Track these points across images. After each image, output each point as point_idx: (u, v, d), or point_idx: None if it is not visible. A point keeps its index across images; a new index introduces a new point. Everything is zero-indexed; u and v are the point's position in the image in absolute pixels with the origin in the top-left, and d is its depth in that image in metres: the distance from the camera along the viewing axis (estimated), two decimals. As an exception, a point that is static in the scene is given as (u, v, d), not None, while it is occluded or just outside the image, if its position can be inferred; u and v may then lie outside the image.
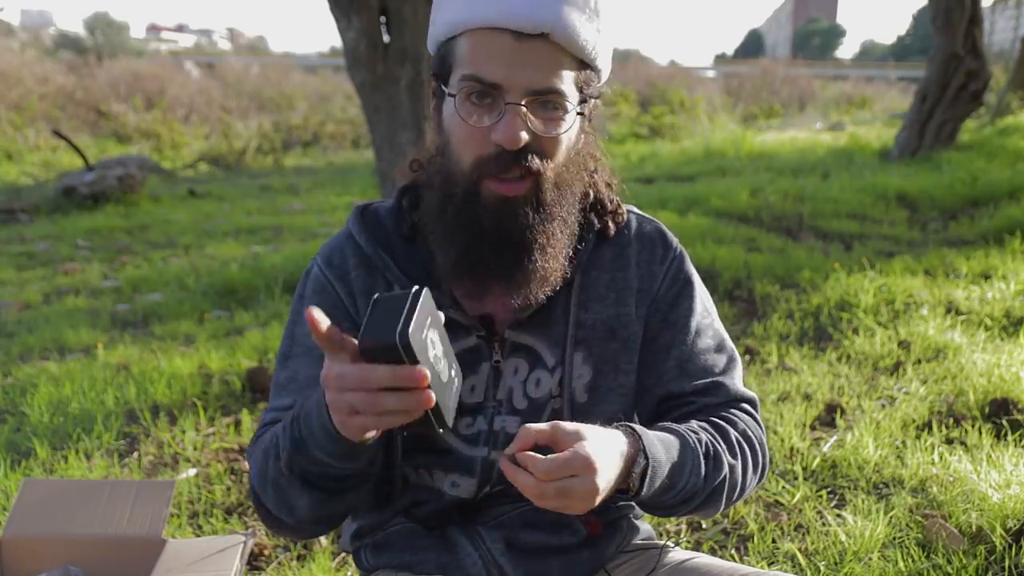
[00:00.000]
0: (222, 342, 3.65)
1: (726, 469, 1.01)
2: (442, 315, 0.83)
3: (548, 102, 0.95)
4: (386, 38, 4.33)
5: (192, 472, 2.46)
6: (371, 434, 0.84)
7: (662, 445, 0.95)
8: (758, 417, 1.11)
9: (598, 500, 0.86)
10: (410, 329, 0.74)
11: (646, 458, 0.91)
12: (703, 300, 1.14)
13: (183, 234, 6.72)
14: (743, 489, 1.06)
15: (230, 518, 2.23)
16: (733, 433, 1.04)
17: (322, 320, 0.77)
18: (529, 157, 0.95)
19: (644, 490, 0.92)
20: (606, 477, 0.86)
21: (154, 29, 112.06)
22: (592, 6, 0.96)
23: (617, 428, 0.93)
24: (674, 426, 1.01)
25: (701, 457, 0.98)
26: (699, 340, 1.11)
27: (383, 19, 4.30)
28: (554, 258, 1.01)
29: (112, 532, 1.50)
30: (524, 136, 0.93)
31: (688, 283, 1.12)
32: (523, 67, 0.93)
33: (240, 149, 13.12)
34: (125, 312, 4.34)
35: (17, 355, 3.62)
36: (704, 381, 1.09)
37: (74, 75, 17.98)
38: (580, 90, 0.98)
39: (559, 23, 0.92)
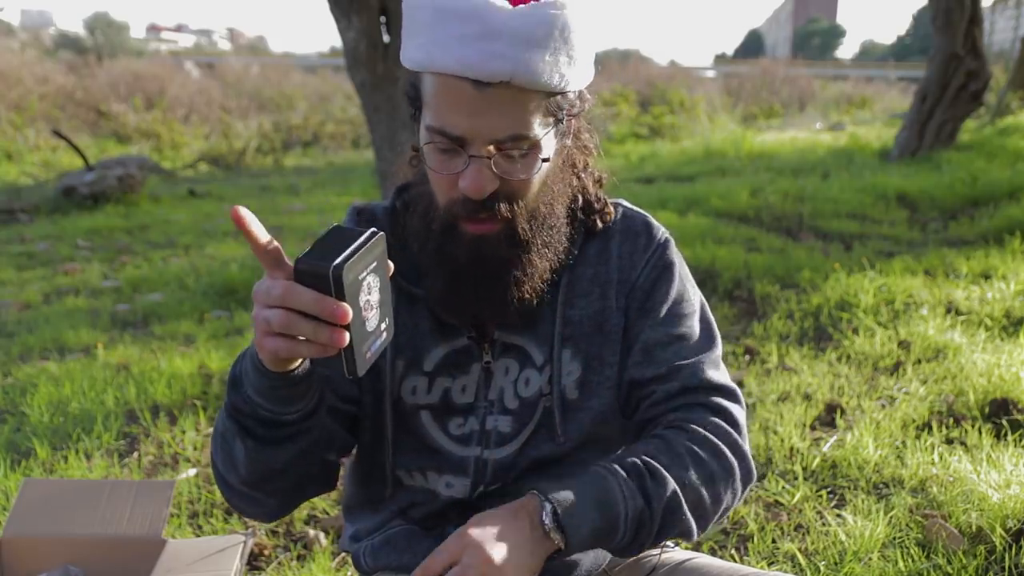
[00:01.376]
0: (222, 342, 3.66)
1: (672, 484, 0.95)
2: (391, 266, 0.81)
3: (515, 147, 0.93)
4: (386, 38, 4.33)
5: (192, 472, 2.46)
6: (295, 366, 0.84)
7: (563, 486, 0.92)
8: (732, 410, 1.03)
9: (511, 570, 0.84)
10: (346, 265, 0.73)
11: (549, 501, 0.89)
12: (681, 287, 1.10)
13: (183, 234, 6.72)
14: (717, 500, 0.99)
15: (230, 518, 2.23)
16: (679, 443, 0.99)
17: (254, 225, 0.77)
18: (496, 204, 0.94)
19: (571, 536, 0.89)
20: (498, 545, 0.85)
21: (154, 29, 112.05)
22: (558, 37, 0.89)
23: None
24: (588, 469, 0.97)
25: (625, 479, 0.94)
26: (668, 327, 1.07)
27: (383, 19, 4.30)
28: (532, 285, 1.01)
29: (112, 532, 1.50)
30: (489, 187, 0.93)
31: (667, 270, 1.09)
32: (485, 116, 0.90)
33: (240, 149, 13.12)
34: (125, 312, 4.34)
35: (17, 355, 3.62)
36: (665, 368, 1.04)
37: (74, 75, 17.99)
38: (554, 115, 0.95)
39: (519, 70, 0.87)
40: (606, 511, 0.92)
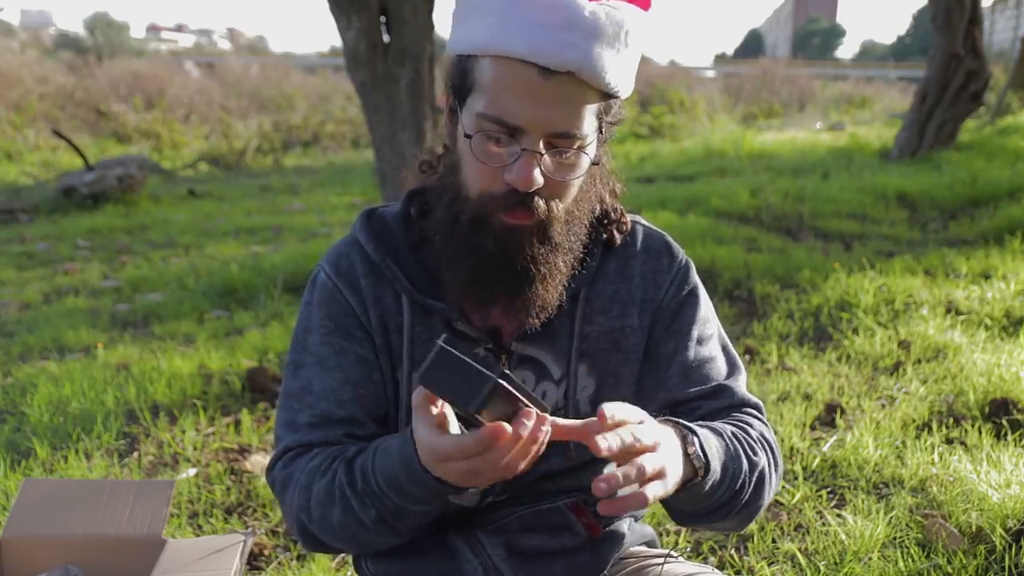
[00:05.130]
0: (222, 342, 3.65)
1: (762, 462, 0.99)
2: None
3: (566, 146, 0.94)
4: (386, 38, 4.33)
5: (192, 472, 2.46)
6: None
7: (701, 426, 0.94)
8: (766, 422, 1.09)
9: (671, 484, 0.82)
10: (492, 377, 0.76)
11: (695, 434, 0.90)
12: (706, 309, 1.13)
13: (183, 234, 6.72)
14: (771, 491, 1.03)
15: (230, 518, 2.23)
16: (753, 432, 1.03)
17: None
18: (536, 200, 0.95)
19: (711, 463, 0.89)
20: (674, 456, 0.84)
21: (154, 29, 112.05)
22: (623, 39, 0.93)
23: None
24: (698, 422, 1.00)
25: (736, 442, 0.97)
26: (702, 348, 1.10)
27: (383, 19, 4.30)
28: (553, 288, 1.01)
29: (112, 532, 1.50)
30: (538, 179, 0.93)
31: (693, 293, 1.12)
32: (546, 106, 0.91)
33: (240, 149, 13.12)
34: (125, 312, 4.34)
35: (17, 355, 3.62)
36: (709, 386, 1.08)
37: (74, 75, 18.01)
38: (599, 119, 0.97)
39: (587, 62, 0.90)
40: (725, 462, 0.93)
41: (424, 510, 0.94)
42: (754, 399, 1.10)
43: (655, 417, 1.08)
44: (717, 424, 1.00)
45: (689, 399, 1.07)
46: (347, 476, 0.96)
